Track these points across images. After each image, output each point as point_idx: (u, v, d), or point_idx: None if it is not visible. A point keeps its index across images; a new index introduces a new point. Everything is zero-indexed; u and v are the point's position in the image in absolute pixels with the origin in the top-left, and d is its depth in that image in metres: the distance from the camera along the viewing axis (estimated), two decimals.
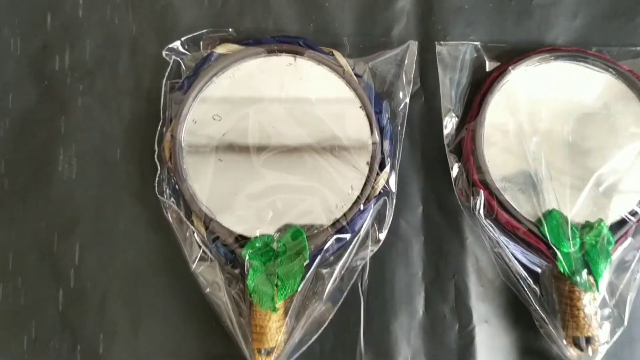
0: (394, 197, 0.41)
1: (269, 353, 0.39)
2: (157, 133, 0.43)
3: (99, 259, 0.44)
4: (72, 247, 0.44)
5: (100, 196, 0.44)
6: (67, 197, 0.44)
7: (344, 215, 0.40)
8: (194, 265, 0.41)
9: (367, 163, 0.41)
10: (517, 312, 0.42)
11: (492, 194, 0.40)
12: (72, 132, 0.45)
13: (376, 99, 0.42)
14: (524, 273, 0.41)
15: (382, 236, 0.41)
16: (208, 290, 0.40)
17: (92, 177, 0.45)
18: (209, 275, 0.41)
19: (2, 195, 0.45)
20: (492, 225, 0.41)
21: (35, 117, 0.45)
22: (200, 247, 0.41)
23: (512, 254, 0.41)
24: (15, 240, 0.44)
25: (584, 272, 0.39)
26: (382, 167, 0.41)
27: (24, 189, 0.45)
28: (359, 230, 0.40)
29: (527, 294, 0.41)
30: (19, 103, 0.46)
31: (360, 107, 0.41)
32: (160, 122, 0.43)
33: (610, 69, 0.42)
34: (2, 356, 0.43)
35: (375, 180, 0.40)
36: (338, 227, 0.40)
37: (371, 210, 0.41)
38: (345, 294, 0.41)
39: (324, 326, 0.40)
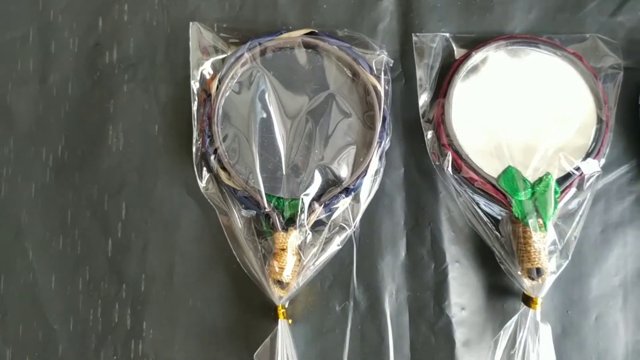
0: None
1: None
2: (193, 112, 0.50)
3: (141, 215, 0.51)
4: (119, 206, 0.51)
5: (142, 164, 0.52)
6: (115, 165, 0.52)
7: None
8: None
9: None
10: (483, 253, 0.49)
11: (458, 154, 0.47)
12: (119, 113, 0.52)
13: None
14: (487, 220, 0.48)
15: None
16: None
17: (135, 149, 0.52)
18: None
19: (63, 165, 0.52)
20: (460, 180, 0.48)
21: (90, 101, 0.53)
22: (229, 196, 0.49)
23: (477, 204, 0.48)
24: (73, 201, 0.52)
25: (535, 215, 0.46)
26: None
27: (81, 160, 0.52)
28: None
29: (490, 238, 0.47)
30: (76, 90, 0.53)
31: None
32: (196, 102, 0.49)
33: (558, 52, 0.50)
34: (62, 295, 0.51)
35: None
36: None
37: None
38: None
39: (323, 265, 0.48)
